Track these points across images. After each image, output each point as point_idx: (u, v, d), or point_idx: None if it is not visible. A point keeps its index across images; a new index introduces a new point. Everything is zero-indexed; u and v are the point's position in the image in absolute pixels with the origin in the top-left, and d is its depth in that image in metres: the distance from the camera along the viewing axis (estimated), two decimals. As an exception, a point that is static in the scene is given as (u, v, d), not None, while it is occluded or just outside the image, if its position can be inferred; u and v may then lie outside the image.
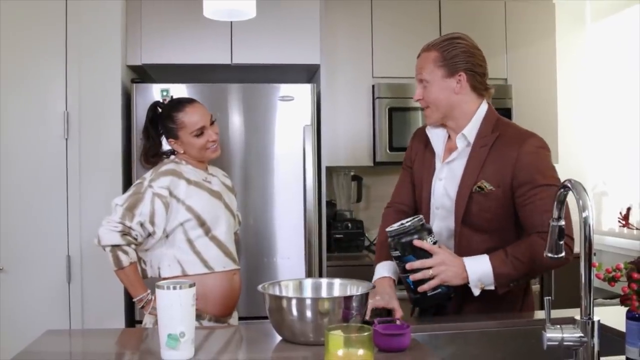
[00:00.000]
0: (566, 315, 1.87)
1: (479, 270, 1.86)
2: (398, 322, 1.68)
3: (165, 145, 2.50)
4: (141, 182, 2.31)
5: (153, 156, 2.48)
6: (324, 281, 1.85)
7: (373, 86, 3.77)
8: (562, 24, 4.18)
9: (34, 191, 3.05)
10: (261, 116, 3.19)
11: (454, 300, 1.95)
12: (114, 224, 2.22)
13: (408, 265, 1.84)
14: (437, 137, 2.10)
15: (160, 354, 1.52)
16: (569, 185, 1.49)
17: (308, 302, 1.63)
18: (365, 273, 2.65)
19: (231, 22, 3.24)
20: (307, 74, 3.70)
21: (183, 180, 2.32)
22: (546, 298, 1.44)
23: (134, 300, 2.31)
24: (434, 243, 1.87)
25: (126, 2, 3.21)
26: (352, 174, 3.97)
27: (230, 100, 3.17)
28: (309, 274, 3.11)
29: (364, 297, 1.67)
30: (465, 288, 1.90)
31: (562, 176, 3.93)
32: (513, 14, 3.94)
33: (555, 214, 1.61)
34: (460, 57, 1.98)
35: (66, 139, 3.06)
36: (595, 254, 1.64)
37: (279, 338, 1.70)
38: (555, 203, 1.60)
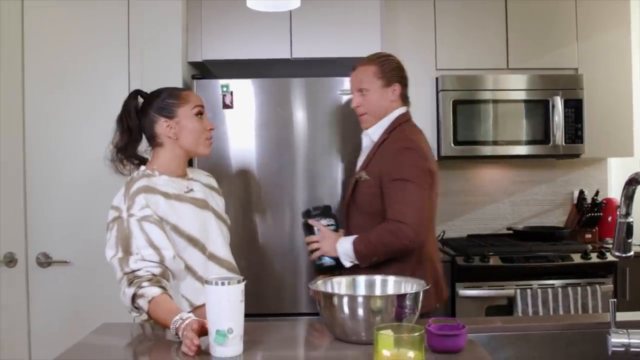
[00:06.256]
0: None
1: (344, 246, 2.31)
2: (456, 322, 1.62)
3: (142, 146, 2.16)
4: (118, 215, 1.94)
5: (129, 157, 2.12)
6: (378, 278, 1.80)
7: (437, 79, 3.67)
8: (638, 12, 3.96)
9: (100, 187, 3.08)
10: (324, 110, 3.13)
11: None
12: (121, 285, 1.88)
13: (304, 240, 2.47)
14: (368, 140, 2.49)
15: (210, 350, 1.51)
16: (638, 179, 1.40)
17: (360, 299, 1.58)
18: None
19: (290, 16, 3.22)
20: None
21: (158, 195, 1.98)
22: (611, 300, 1.36)
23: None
24: (331, 225, 2.42)
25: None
26: (415, 168, 3.88)
27: (293, 94, 3.14)
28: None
29: (418, 296, 1.61)
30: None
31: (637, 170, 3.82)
32: (584, 3, 3.76)
33: (623, 210, 1.52)
34: (395, 72, 2.43)
35: (130, 136, 3.10)
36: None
37: (332, 336, 1.66)
38: (623, 199, 1.51)
